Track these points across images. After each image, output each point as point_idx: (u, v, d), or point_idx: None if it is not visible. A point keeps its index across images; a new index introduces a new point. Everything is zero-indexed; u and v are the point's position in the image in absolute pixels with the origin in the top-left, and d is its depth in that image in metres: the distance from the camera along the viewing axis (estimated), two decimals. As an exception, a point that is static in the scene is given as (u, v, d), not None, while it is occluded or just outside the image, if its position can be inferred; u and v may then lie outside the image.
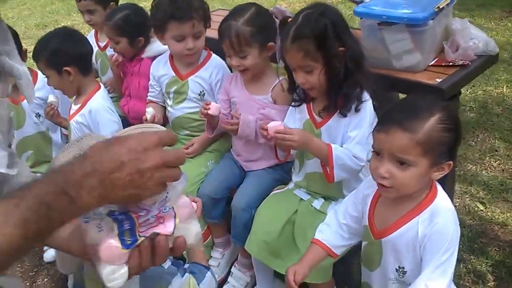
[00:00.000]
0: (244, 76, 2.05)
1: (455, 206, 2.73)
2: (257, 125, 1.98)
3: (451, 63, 2.07)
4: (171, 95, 2.32)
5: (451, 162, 1.39)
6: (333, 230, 1.61)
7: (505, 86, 3.83)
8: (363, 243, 1.59)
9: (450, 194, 2.36)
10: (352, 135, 1.74)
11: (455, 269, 2.22)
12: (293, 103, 1.93)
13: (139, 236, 0.92)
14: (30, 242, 0.78)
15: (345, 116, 1.76)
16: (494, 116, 3.51)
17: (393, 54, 2.08)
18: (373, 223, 1.51)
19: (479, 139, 3.28)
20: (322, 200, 1.88)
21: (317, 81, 1.72)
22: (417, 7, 2.00)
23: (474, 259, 2.43)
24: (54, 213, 0.80)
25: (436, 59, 2.13)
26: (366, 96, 1.75)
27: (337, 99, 1.76)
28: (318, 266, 1.72)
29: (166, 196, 0.95)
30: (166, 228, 0.93)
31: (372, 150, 1.44)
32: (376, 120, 1.80)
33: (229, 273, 2.22)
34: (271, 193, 2.00)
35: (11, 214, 0.75)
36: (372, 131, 1.44)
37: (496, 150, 3.15)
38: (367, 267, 1.58)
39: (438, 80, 1.98)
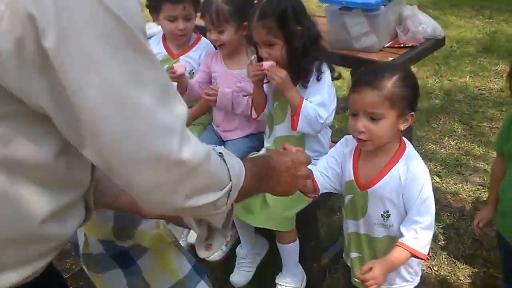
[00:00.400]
0: (222, 50, 2.32)
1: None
2: (233, 97, 2.26)
3: (402, 45, 2.38)
4: (163, 73, 2.58)
5: (413, 113, 1.64)
6: (317, 173, 1.80)
7: (468, 77, 4.16)
8: (347, 197, 1.79)
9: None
10: (313, 100, 2.00)
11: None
12: (265, 80, 2.18)
13: None
14: (249, 195, 1.19)
15: (306, 87, 2.04)
16: (456, 102, 3.83)
17: (353, 36, 2.37)
18: (358, 177, 1.73)
19: (440, 122, 3.60)
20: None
21: (278, 55, 1.99)
22: (370, -6, 2.29)
23: (427, 222, 2.73)
24: (258, 184, 1.19)
25: (391, 41, 2.43)
26: (325, 68, 2.03)
27: (299, 72, 2.03)
28: (282, 215, 2.01)
29: None
30: None
31: (350, 113, 1.68)
32: (334, 90, 2.09)
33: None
34: (246, 158, 2.26)
35: (249, 171, 1.12)
36: (348, 96, 1.67)
37: (455, 131, 3.47)
38: (352, 217, 1.79)
39: (390, 59, 2.28)
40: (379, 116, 1.58)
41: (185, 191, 0.96)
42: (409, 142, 1.73)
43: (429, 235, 1.63)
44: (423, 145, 3.36)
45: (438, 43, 2.46)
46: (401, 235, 1.65)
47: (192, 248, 2.42)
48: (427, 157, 3.23)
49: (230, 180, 1.05)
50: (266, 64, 2.01)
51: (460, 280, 2.40)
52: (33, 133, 0.89)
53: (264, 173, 1.21)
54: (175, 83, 2.30)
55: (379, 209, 1.70)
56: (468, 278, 2.41)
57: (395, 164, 1.66)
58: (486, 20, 5.34)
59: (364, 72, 1.69)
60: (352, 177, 1.74)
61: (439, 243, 2.62)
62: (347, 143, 1.80)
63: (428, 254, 2.54)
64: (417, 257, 1.65)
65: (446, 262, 2.51)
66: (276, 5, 1.96)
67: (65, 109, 0.82)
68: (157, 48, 2.60)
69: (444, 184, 2.99)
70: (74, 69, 0.79)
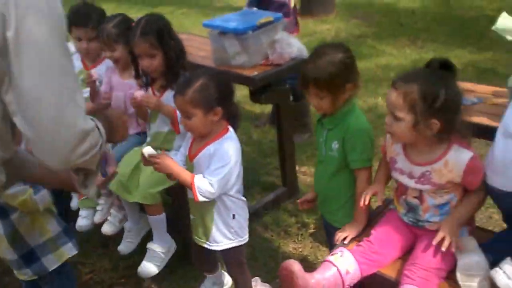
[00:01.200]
0: (117, 65, 2.83)
1: (306, 182, 3.50)
2: (125, 99, 2.76)
3: (270, 63, 2.90)
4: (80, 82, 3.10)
5: (219, 109, 2.09)
6: (177, 160, 2.28)
7: (380, 98, 4.66)
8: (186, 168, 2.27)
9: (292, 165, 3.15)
10: None
11: (287, 221, 3.13)
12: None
13: None
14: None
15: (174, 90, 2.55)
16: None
17: (230, 55, 2.90)
18: (190, 152, 2.22)
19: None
20: (159, 151, 2.64)
21: (157, 64, 2.51)
22: (242, 21, 2.83)
23: (304, 215, 3.20)
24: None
25: (264, 60, 2.96)
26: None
27: (171, 78, 2.55)
28: (148, 191, 2.50)
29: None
30: None
31: None
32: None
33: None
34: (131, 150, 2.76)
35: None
36: None
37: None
38: None
39: (255, 73, 2.81)
40: (188, 115, 2.10)
41: (85, 147, 1.39)
42: (232, 130, 2.22)
43: (208, 188, 2.07)
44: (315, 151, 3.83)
45: (303, 62, 2.97)
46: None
47: (95, 226, 2.98)
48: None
49: (101, 137, 1.51)
50: (137, 94, 2.54)
51: (318, 259, 2.86)
52: None
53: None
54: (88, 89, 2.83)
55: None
56: (325, 258, 2.86)
57: (212, 143, 2.15)
58: (418, 49, 5.88)
59: (180, 82, 2.21)
60: (187, 153, 2.25)
61: (309, 231, 3.09)
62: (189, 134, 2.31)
63: (297, 238, 3.04)
64: (192, 190, 2.08)
65: (310, 246, 2.97)
66: (154, 24, 2.51)
67: (15, 84, 1.23)
68: (76, 62, 3.13)
69: (328, 185, 3.46)
70: (23, 53, 1.20)
